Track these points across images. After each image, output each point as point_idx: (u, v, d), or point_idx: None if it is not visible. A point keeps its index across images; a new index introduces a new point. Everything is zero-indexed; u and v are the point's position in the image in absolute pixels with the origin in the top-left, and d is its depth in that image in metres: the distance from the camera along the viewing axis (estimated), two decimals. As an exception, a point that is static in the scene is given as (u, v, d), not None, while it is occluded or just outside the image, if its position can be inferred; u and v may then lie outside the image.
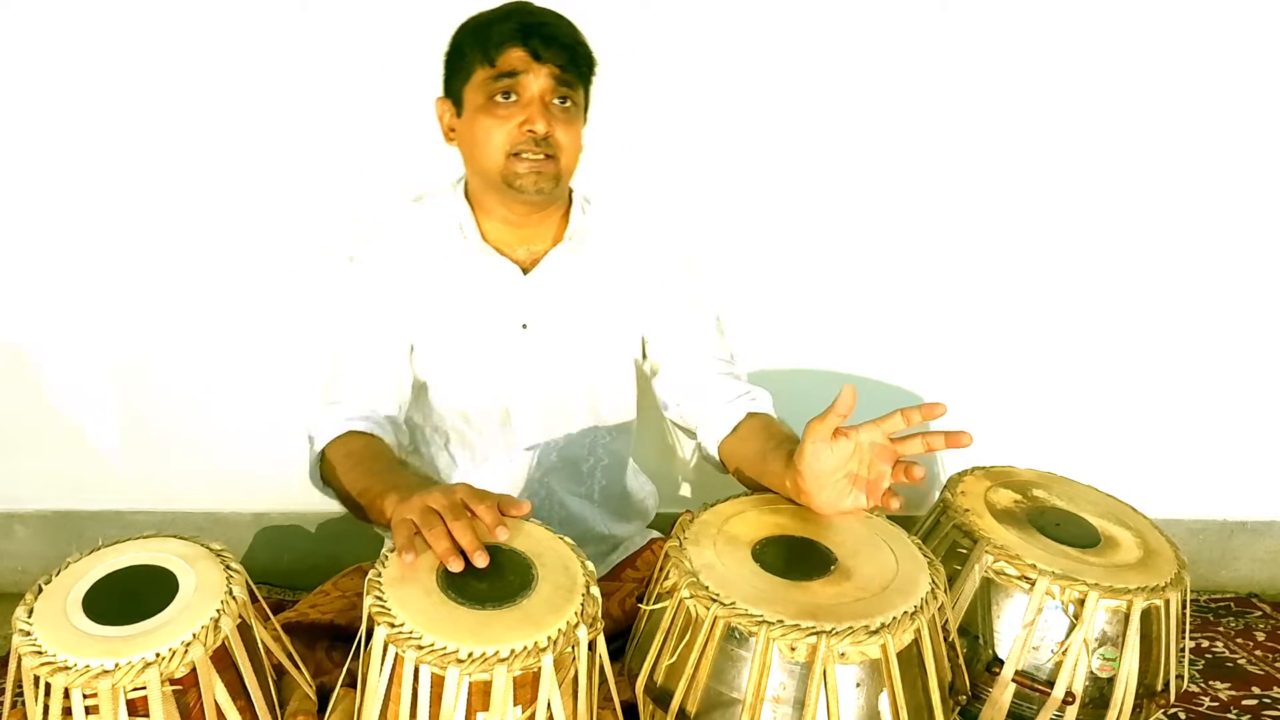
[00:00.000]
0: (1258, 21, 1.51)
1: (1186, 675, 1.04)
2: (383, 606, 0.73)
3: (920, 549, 0.92)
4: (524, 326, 1.13)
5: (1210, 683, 1.49)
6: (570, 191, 1.16)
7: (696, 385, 1.16)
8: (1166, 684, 1.00)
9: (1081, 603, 0.92)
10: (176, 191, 1.45)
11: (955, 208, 1.59)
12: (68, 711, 0.70)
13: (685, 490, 1.75)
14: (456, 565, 0.75)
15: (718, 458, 1.12)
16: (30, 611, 0.75)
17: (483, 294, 1.12)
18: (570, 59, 1.02)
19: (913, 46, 1.48)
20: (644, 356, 1.24)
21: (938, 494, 1.13)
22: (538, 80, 1.01)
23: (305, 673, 0.87)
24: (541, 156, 1.02)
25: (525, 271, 1.13)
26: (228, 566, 0.81)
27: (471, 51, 1.02)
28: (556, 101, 1.03)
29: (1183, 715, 1.39)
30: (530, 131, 1.01)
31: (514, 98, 1.01)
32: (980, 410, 1.74)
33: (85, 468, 1.60)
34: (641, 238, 1.19)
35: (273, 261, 1.50)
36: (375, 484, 0.91)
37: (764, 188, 1.55)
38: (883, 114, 1.52)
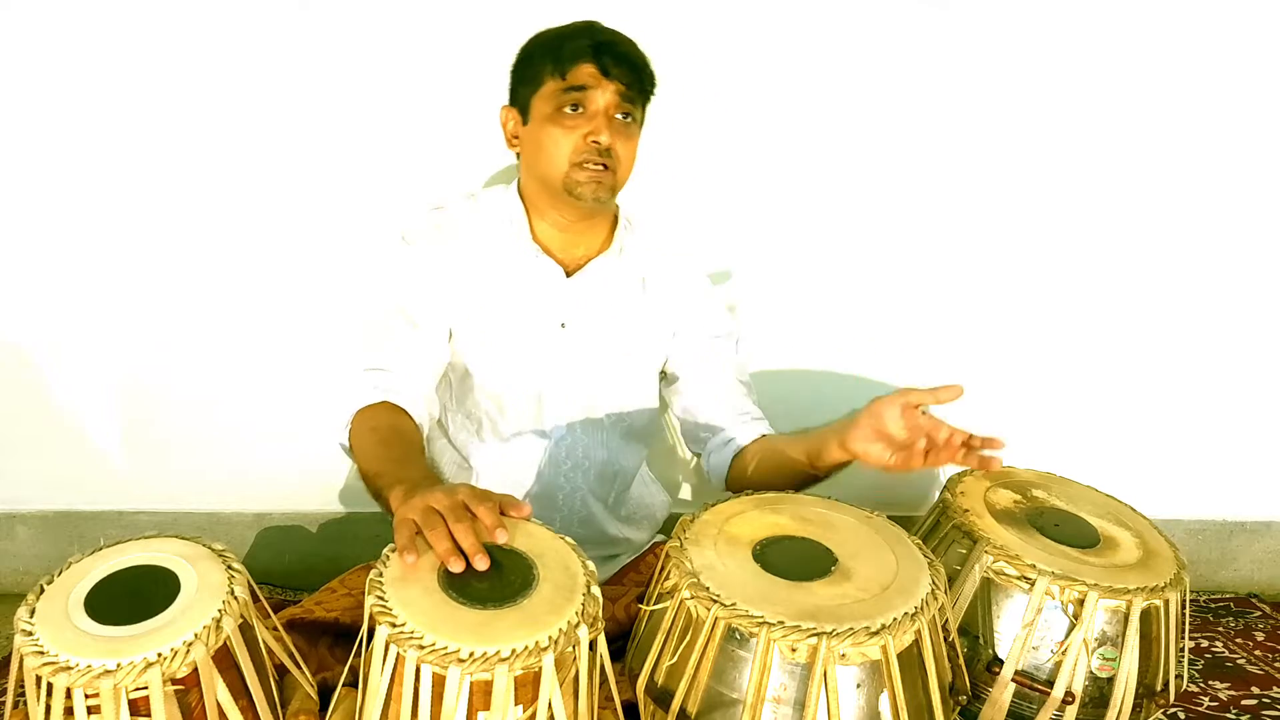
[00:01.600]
0: (1258, 21, 1.51)
1: (1186, 675, 1.04)
2: (384, 606, 0.73)
3: (920, 549, 0.92)
4: (562, 326, 1.18)
5: (1210, 683, 1.49)
6: (616, 207, 1.22)
7: (712, 399, 1.22)
8: (1166, 684, 1.00)
9: (1081, 603, 0.92)
10: (177, 193, 1.45)
11: (956, 210, 1.59)
12: (70, 711, 0.70)
13: (685, 492, 1.75)
14: (457, 566, 0.75)
15: (726, 469, 1.17)
16: (32, 612, 0.75)
17: (526, 291, 1.16)
18: (635, 78, 1.08)
19: (913, 50, 1.48)
20: (664, 370, 1.29)
21: (938, 494, 1.14)
22: (604, 95, 1.06)
23: (307, 672, 0.87)
24: (601, 167, 1.08)
25: (568, 274, 1.17)
26: (229, 566, 0.81)
27: (543, 64, 1.08)
28: (619, 116, 1.09)
29: (1182, 715, 1.39)
30: (594, 143, 1.07)
31: (581, 110, 1.07)
32: (980, 410, 1.74)
33: (87, 468, 1.60)
34: (674, 259, 1.26)
35: (273, 263, 1.51)
36: (386, 472, 0.93)
37: (766, 189, 1.55)
38: (883, 118, 1.52)
